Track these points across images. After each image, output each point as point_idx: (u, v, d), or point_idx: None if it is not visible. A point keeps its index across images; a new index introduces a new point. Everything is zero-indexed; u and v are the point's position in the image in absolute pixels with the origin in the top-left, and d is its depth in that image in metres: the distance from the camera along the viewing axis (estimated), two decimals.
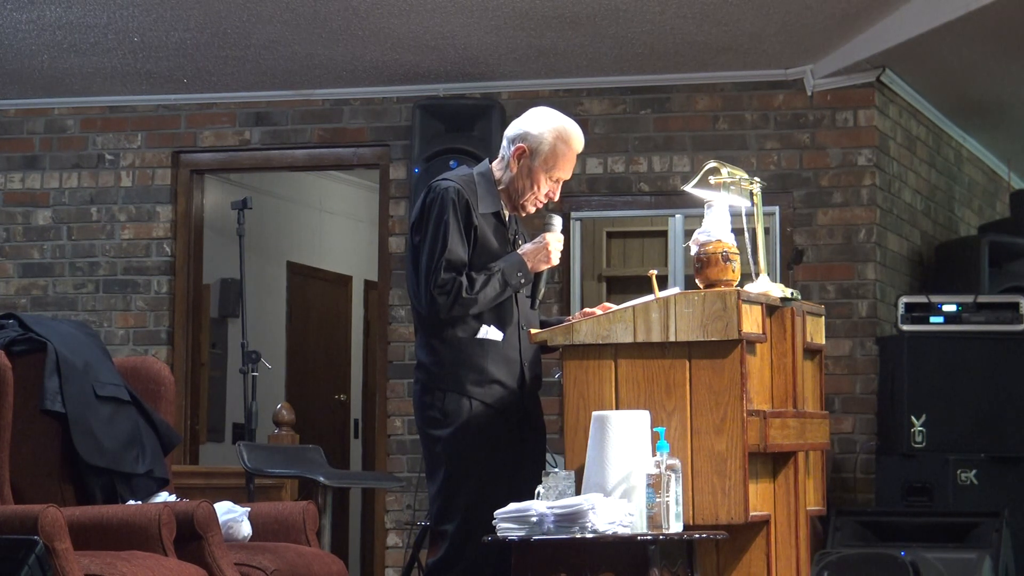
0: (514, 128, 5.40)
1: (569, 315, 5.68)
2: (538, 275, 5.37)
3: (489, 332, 5.27)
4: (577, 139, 5.39)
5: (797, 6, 7.99)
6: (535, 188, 5.36)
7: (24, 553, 4.83)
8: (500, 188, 5.39)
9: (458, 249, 5.22)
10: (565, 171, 5.38)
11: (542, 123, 5.36)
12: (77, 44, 8.71)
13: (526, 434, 5.36)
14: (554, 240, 5.35)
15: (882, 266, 9.01)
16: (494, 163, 5.44)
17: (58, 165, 9.88)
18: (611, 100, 9.28)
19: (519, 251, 5.34)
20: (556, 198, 5.45)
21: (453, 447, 5.23)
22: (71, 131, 9.89)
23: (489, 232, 5.32)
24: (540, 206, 5.44)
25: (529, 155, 5.34)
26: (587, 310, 5.42)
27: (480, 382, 5.25)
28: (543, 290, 5.42)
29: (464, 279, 5.20)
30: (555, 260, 5.36)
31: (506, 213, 5.41)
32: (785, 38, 8.50)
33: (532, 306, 5.42)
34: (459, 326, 5.25)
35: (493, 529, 4.88)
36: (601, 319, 5.06)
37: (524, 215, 5.46)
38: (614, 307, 5.25)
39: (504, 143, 5.40)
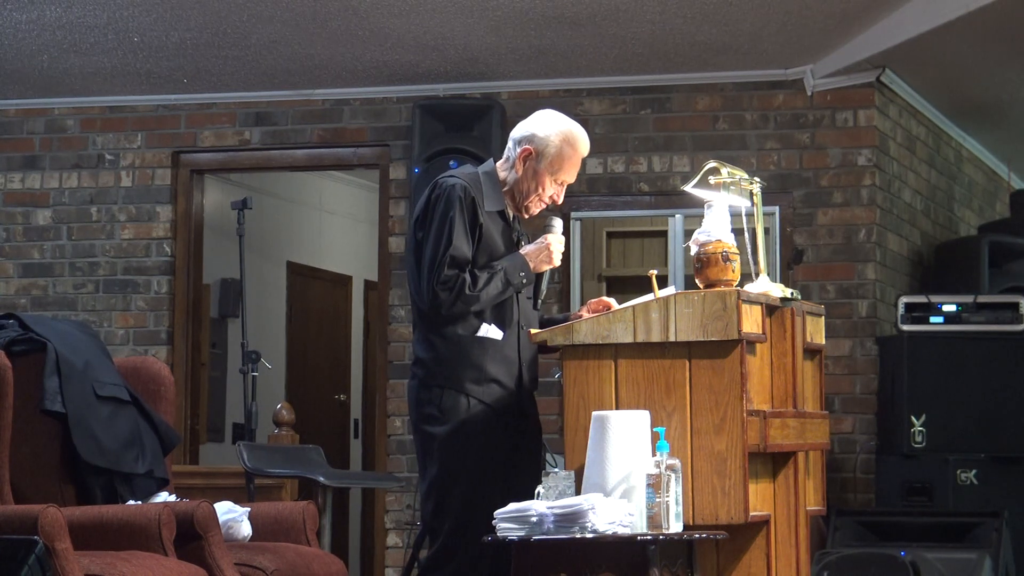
0: (521, 130, 5.40)
1: (569, 312, 5.67)
2: (539, 275, 5.39)
3: (489, 331, 5.27)
4: (583, 143, 5.40)
5: (797, 6, 7.99)
6: (540, 190, 5.37)
7: (24, 553, 4.83)
8: (504, 189, 5.40)
9: (463, 246, 5.22)
10: (570, 174, 5.40)
11: (549, 126, 5.37)
12: (77, 44, 8.70)
13: (522, 434, 5.36)
14: (555, 241, 5.37)
15: (882, 266, 9.00)
16: (498, 163, 5.44)
17: (58, 165, 9.88)
18: (611, 100, 9.27)
19: (521, 251, 5.35)
20: (560, 201, 5.47)
21: (449, 444, 5.22)
22: (71, 131, 9.89)
23: (494, 231, 5.32)
24: (543, 208, 5.45)
25: (535, 157, 5.35)
26: (593, 302, 5.43)
27: (479, 380, 5.25)
28: (545, 290, 5.44)
29: (467, 276, 5.21)
30: (557, 261, 5.38)
31: (510, 213, 5.42)
32: (785, 38, 8.49)
33: (535, 306, 5.44)
34: (460, 323, 5.25)
35: (487, 528, 4.87)
36: (601, 319, 5.07)
37: (527, 216, 5.47)
38: (616, 304, 5.26)
39: (510, 144, 5.41)
